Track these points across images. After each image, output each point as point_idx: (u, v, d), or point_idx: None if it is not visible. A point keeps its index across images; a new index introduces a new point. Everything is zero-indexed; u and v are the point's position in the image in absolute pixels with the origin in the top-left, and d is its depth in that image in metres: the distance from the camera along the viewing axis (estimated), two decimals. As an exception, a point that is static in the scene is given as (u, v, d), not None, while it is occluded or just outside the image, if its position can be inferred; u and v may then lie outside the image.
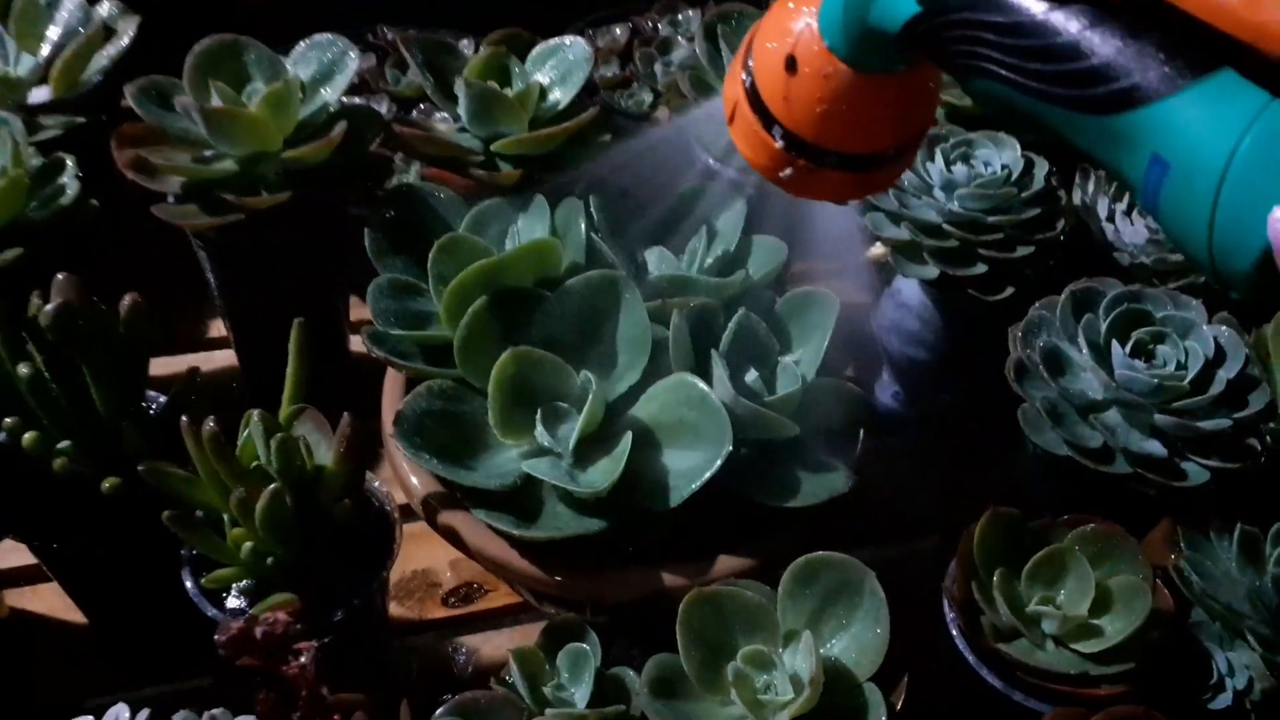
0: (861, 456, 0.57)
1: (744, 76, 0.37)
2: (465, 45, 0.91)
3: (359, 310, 0.76)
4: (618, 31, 0.95)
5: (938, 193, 0.66)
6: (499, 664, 0.61)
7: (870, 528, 0.71)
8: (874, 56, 0.33)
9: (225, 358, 0.76)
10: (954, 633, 0.50)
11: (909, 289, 0.70)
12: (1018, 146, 0.67)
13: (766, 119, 0.36)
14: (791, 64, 0.34)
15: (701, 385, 0.52)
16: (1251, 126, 0.22)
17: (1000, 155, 0.67)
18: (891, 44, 0.31)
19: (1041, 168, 0.66)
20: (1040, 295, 0.61)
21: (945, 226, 0.64)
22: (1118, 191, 0.70)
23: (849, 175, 0.37)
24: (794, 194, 0.39)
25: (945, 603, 0.51)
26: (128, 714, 0.39)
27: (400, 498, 0.55)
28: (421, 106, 0.84)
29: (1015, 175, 0.65)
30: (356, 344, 0.77)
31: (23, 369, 0.47)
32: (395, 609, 0.64)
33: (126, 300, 0.50)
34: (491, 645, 0.62)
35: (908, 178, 0.67)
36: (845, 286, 0.92)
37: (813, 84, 0.34)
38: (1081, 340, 0.55)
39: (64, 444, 0.49)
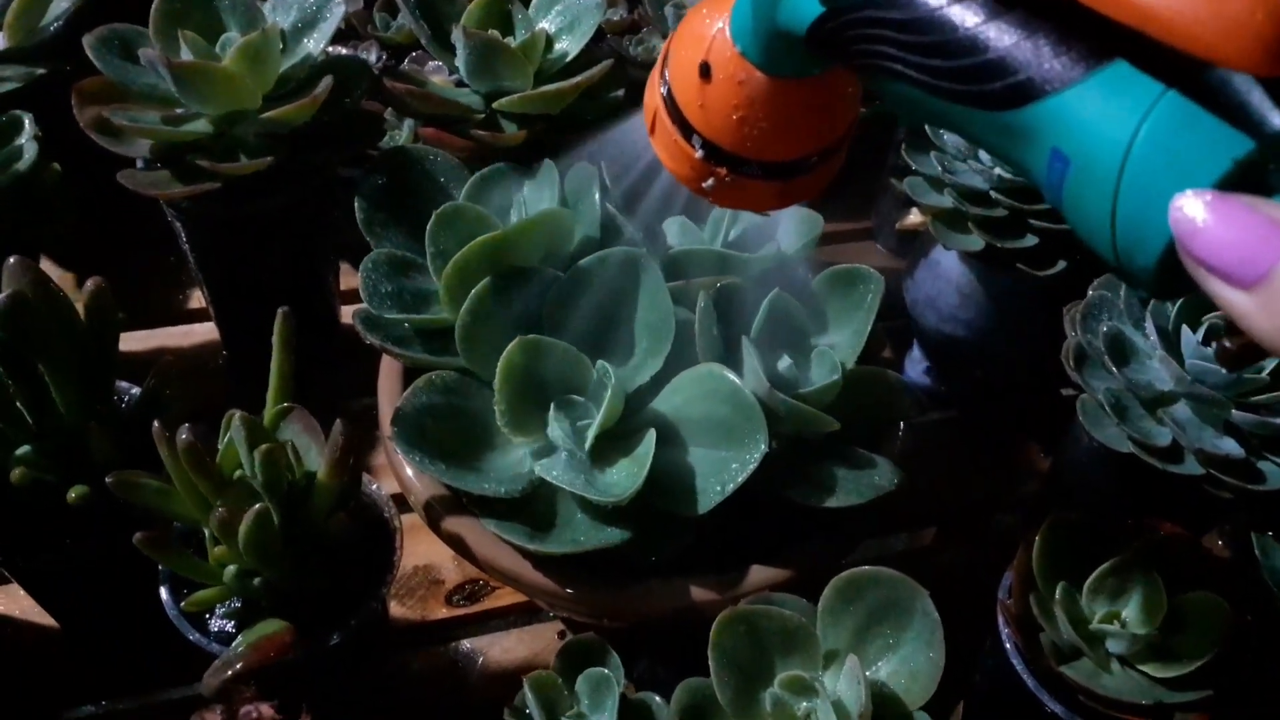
0: (899, 444, 0.53)
1: (662, 86, 0.36)
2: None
3: (350, 278, 0.71)
4: (626, -29, 0.88)
5: (985, 156, 0.60)
6: (509, 671, 0.57)
7: (903, 514, 0.67)
8: (785, 60, 0.32)
9: (206, 331, 0.71)
10: (1010, 651, 0.46)
11: (949, 261, 0.65)
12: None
13: (685, 128, 0.35)
14: (705, 71, 0.34)
15: (732, 377, 0.47)
16: (1147, 117, 0.22)
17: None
18: (801, 47, 0.30)
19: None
20: (1095, 273, 0.56)
21: (993, 194, 0.59)
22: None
23: (772, 184, 0.36)
24: (718, 204, 0.39)
25: (1000, 619, 0.47)
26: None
27: (397, 488, 0.50)
28: (415, 54, 0.77)
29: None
30: (348, 315, 0.71)
31: (-30, 368, 0.41)
32: (395, 609, 0.59)
33: (89, 285, 0.44)
34: (500, 649, 0.58)
35: (951, 139, 0.61)
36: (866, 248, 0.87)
37: (727, 90, 0.34)
38: (1149, 325, 0.50)
39: (23, 450, 0.43)
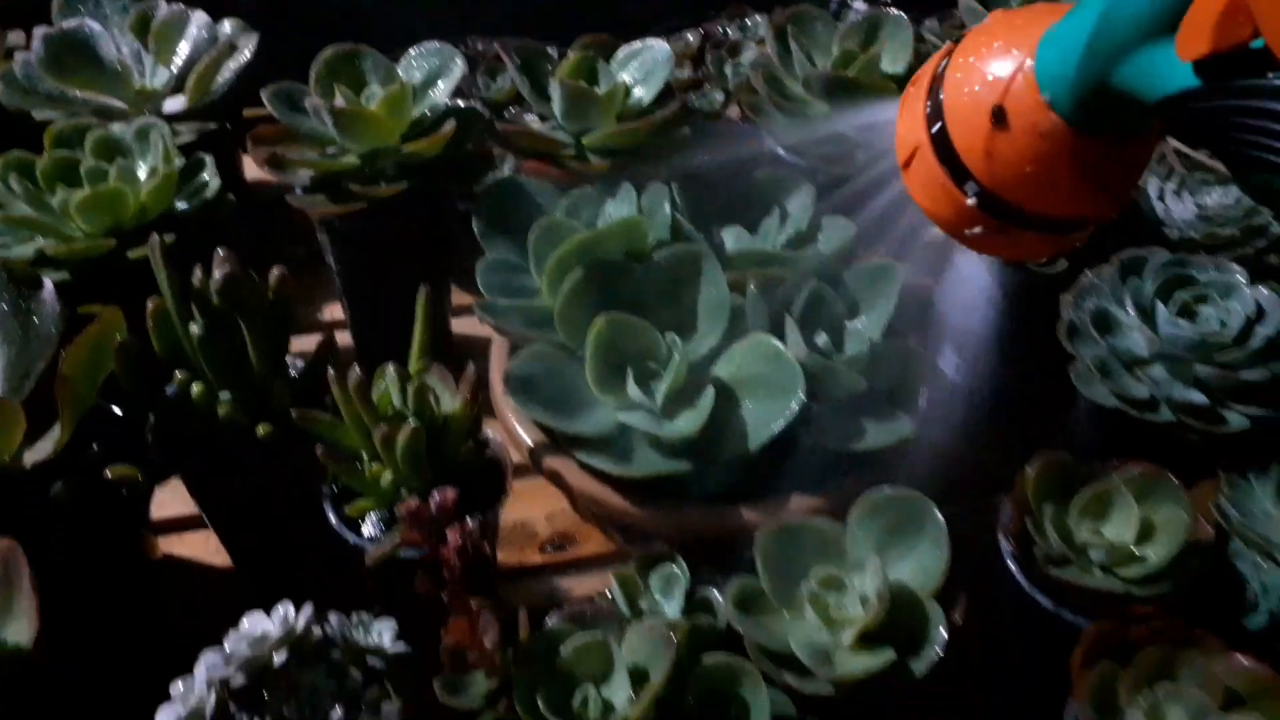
0: (924, 418, 0.62)
1: (930, 119, 0.32)
2: (551, 51, 0.98)
3: (457, 296, 0.84)
4: (690, 38, 1.02)
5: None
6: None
7: (932, 490, 0.76)
8: (1109, 120, 0.29)
9: (341, 339, 0.84)
10: (1009, 561, 0.55)
11: (967, 264, 0.75)
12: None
13: (958, 172, 0.32)
14: (999, 116, 0.30)
15: (776, 343, 0.58)
16: None
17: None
18: (1138, 110, 0.27)
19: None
20: (1096, 263, 0.66)
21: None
22: (1165, 171, 0.75)
23: (1047, 237, 0.33)
24: (973, 249, 0.35)
25: (1000, 536, 0.56)
26: (293, 612, 0.47)
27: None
28: (511, 110, 0.91)
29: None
30: (456, 326, 0.84)
31: (194, 329, 0.55)
32: (499, 556, 0.70)
33: (275, 272, 0.58)
34: (584, 587, 0.69)
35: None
36: (913, 269, 0.97)
37: (1024, 141, 0.30)
38: (1129, 302, 0.60)
39: (225, 395, 0.56)
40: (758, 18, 1.03)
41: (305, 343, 0.63)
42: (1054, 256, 0.48)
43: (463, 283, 0.85)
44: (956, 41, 0.34)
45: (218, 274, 0.54)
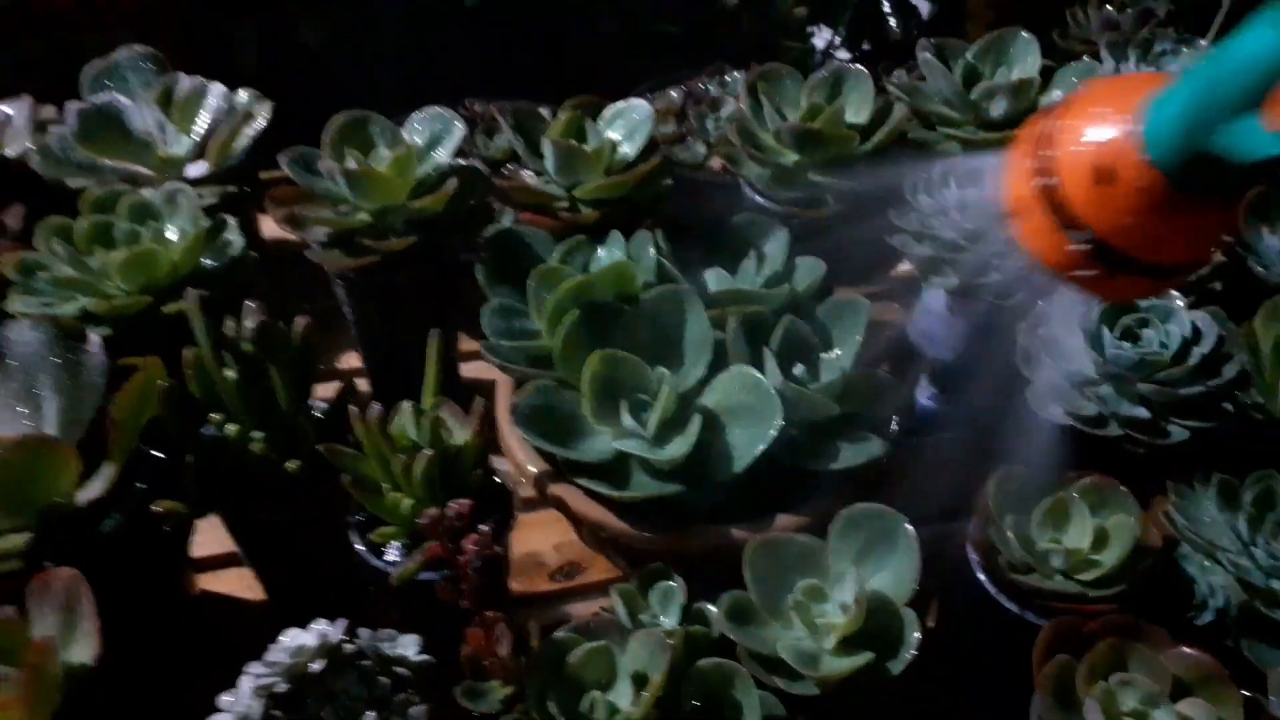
0: (901, 448, 0.68)
1: (1038, 173, 0.35)
2: (543, 111, 1.05)
3: (464, 342, 0.90)
4: (673, 95, 1.09)
5: (954, 214, 0.77)
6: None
7: (911, 513, 0.81)
8: (1207, 179, 0.32)
9: (358, 385, 0.90)
10: (975, 569, 0.60)
11: (935, 299, 0.81)
12: (1022, 172, 0.78)
13: (1068, 221, 0.35)
14: (1104, 174, 0.33)
15: (756, 374, 0.64)
16: None
17: (1007, 180, 0.78)
18: (1234, 171, 0.30)
19: (1043, 189, 0.77)
20: (1048, 293, 0.72)
21: (962, 242, 0.76)
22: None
23: (1149, 281, 0.37)
24: (1079, 290, 0.38)
25: (968, 547, 0.61)
26: (328, 626, 0.52)
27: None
28: (509, 167, 0.98)
29: (1020, 196, 0.76)
30: (463, 370, 0.90)
31: (229, 374, 0.60)
32: (512, 584, 0.75)
33: (300, 321, 0.64)
34: (592, 610, 0.74)
35: (928, 203, 0.79)
36: (888, 304, 1.03)
37: (1130, 197, 0.33)
38: (1076, 328, 0.66)
39: (257, 434, 0.62)
40: (736, 74, 1.10)
41: (325, 389, 0.69)
42: (1145, 297, 0.54)
43: (469, 329, 0.91)
44: (1053, 105, 0.39)
45: (249, 324, 0.60)
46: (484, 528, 0.49)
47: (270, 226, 0.85)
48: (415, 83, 1.29)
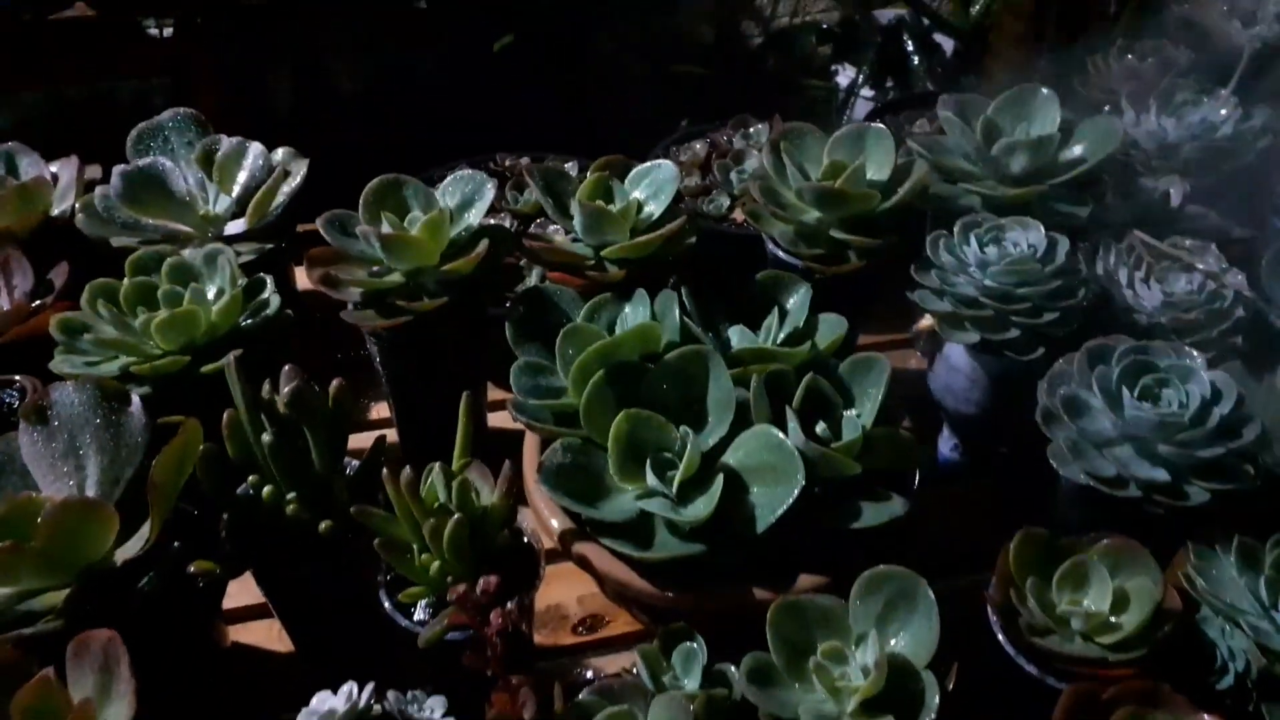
0: (922, 497, 0.69)
1: None
2: (570, 167, 1.08)
3: (492, 392, 0.92)
4: (698, 147, 1.11)
5: (974, 270, 0.78)
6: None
7: (933, 565, 0.82)
8: None
9: (389, 435, 0.92)
10: (996, 631, 0.61)
11: (956, 353, 0.82)
12: (1041, 229, 0.79)
13: None
14: None
15: (778, 433, 0.65)
16: None
17: (1027, 236, 0.79)
18: None
19: (1063, 246, 0.78)
20: (1071, 350, 0.72)
21: (981, 299, 0.76)
22: (1135, 261, 0.82)
23: None
24: None
25: (988, 608, 0.62)
26: (356, 689, 0.53)
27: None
28: (538, 221, 1.00)
29: (1040, 253, 0.77)
30: (492, 419, 0.92)
31: (265, 438, 0.62)
32: (536, 636, 0.76)
33: (335, 384, 0.66)
34: (615, 665, 0.75)
35: (947, 259, 0.80)
36: (907, 354, 1.04)
37: None
38: (1096, 388, 0.67)
39: (291, 495, 0.64)
40: (760, 126, 1.12)
41: (357, 439, 0.70)
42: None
43: (497, 378, 0.93)
44: None
45: (286, 389, 0.62)
46: (510, 605, 0.51)
47: (305, 277, 0.88)
48: (446, 126, 1.33)
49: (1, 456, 0.66)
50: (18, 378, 0.82)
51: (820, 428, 0.68)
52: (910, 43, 1.93)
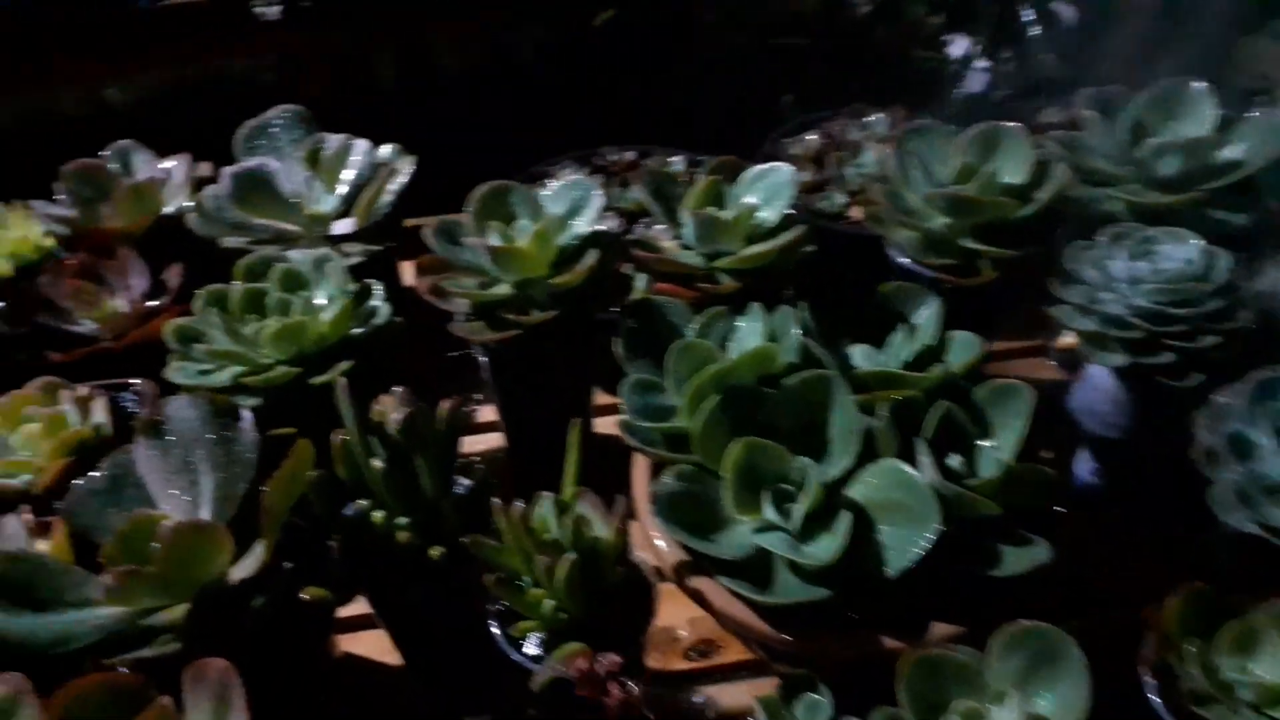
0: (1059, 533, 0.63)
1: None
2: (678, 161, 1.04)
3: (599, 396, 0.90)
4: (810, 138, 1.06)
5: (1122, 287, 0.72)
6: (737, 712, 0.71)
7: (1066, 600, 0.77)
8: None
9: (494, 439, 0.91)
10: (1151, 696, 0.56)
11: (1100, 374, 0.76)
12: (1200, 241, 0.72)
13: None
14: None
15: (909, 470, 0.61)
16: None
17: (1182, 250, 0.72)
18: None
19: (1224, 261, 0.71)
20: (1232, 378, 0.66)
21: (1131, 319, 0.70)
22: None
23: None
24: None
25: (1141, 669, 0.57)
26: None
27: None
28: (644, 219, 0.97)
29: (1197, 269, 0.71)
30: (598, 425, 0.90)
31: (375, 463, 0.61)
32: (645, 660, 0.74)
33: (446, 404, 0.64)
34: (728, 695, 0.72)
35: (1092, 273, 0.73)
36: (1036, 363, 0.97)
37: None
38: (1266, 426, 0.60)
39: (402, 520, 0.62)
40: (878, 115, 1.06)
41: (466, 441, 0.68)
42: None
43: (603, 382, 0.90)
44: None
45: (397, 416, 0.60)
46: (632, 686, 0.48)
47: (412, 272, 0.86)
48: (547, 103, 1.30)
49: (119, 469, 0.67)
50: (134, 382, 0.82)
51: (954, 461, 0.63)
52: (1029, 11, 1.82)
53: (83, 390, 0.76)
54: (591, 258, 0.73)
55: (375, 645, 0.76)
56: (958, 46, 1.96)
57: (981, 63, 1.85)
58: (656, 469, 0.68)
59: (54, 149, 1.02)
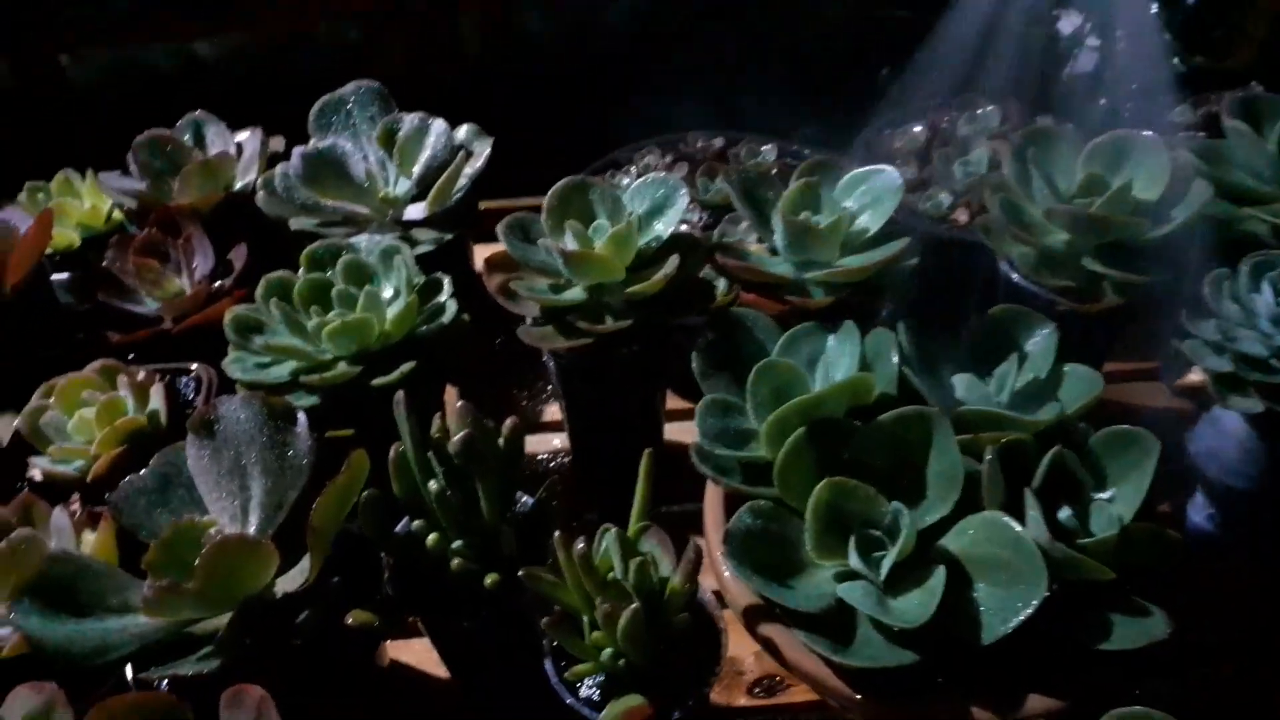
0: (1176, 594, 0.57)
1: None
2: (768, 150, 0.97)
3: (671, 400, 0.85)
4: (915, 131, 0.98)
5: (1265, 324, 0.64)
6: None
7: (1172, 653, 0.70)
8: None
9: (560, 440, 0.87)
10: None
11: (1230, 418, 0.68)
12: (1361, 276, 0.64)
13: None
14: None
15: (1016, 526, 0.55)
16: None
17: (1340, 285, 0.64)
18: None
19: (1389, 300, 0.63)
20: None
21: (1273, 361, 0.62)
22: None
23: None
24: None
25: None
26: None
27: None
28: (729, 214, 0.91)
29: (1358, 308, 0.62)
30: (669, 432, 0.85)
31: (432, 485, 0.57)
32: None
33: (508, 423, 0.60)
34: (793, 743, 0.67)
35: (1230, 307, 0.66)
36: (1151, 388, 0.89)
37: None
38: None
39: (457, 544, 0.58)
40: (989, 109, 0.98)
41: (529, 441, 0.64)
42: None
43: (677, 386, 0.85)
44: None
45: (457, 437, 0.56)
46: None
47: (483, 253, 0.81)
48: (632, 70, 1.24)
49: (169, 467, 0.64)
50: (194, 366, 0.80)
51: (1065, 514, 0.57)
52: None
53: (140, 375, 0.74)
54: (671, 264, 0.68)
55: (424, 654, 0.73)
56: (1068, 23, 1.84)
57: (1092, 40, 1.73)
58: (730, 501, 0.63)
59: (136, 109, 1.01)
